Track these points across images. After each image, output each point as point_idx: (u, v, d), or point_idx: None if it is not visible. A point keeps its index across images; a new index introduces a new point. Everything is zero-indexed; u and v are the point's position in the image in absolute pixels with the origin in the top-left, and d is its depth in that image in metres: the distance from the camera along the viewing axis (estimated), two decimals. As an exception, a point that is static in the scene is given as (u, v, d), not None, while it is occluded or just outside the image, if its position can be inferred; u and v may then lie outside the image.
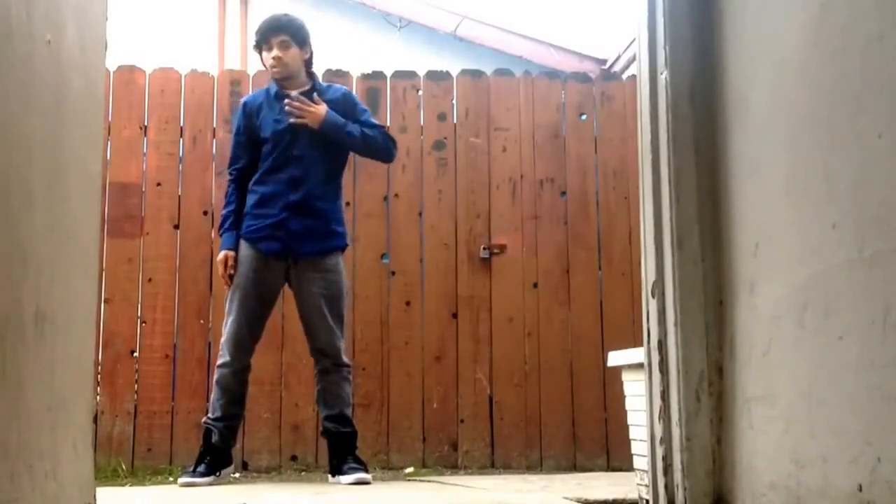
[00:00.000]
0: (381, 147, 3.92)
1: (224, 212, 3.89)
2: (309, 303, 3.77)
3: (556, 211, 4.80)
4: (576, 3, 7.76)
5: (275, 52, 3.84)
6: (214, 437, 3.75)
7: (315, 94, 3.86)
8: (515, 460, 4.57)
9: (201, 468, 3.70)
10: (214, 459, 3.75)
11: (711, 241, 2.06)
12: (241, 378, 3.80)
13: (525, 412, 4.61)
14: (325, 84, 4.06)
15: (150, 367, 4.50)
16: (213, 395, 3.81)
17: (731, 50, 2.02)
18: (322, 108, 3.79)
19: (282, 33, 3.86)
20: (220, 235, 3.89)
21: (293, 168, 3.79)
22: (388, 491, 3.40)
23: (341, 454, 3.73)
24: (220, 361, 3.79)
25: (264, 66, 3.99)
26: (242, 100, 4.07)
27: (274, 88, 3.92)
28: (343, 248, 3.90)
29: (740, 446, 1.91)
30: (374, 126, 3.93)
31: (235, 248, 3.79)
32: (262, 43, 3.89)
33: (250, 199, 3.83)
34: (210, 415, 3.80)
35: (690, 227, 2.08)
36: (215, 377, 3.81)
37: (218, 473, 3.73)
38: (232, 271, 3.77)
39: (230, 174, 3.94)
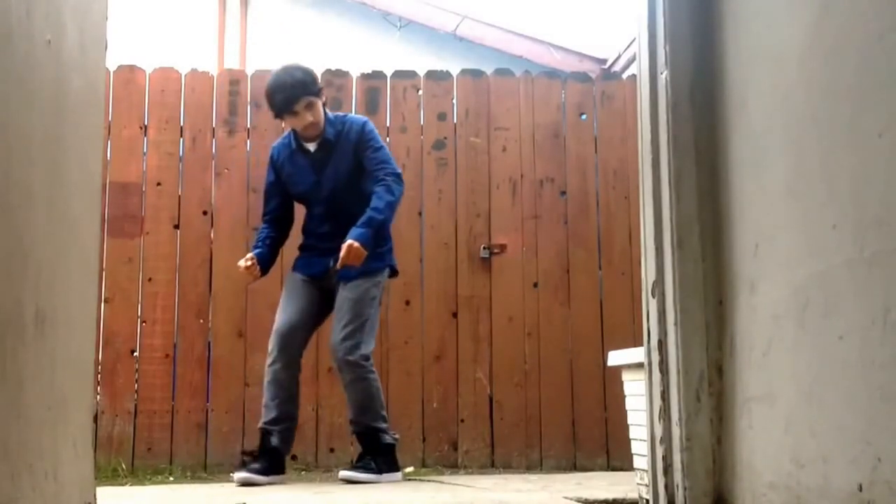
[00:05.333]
0: (398, 199, 3.85)
1: (253, 252, 3.85)
2: (335, 304, 3.82)
3: (556, 211, 4.79)
4: (576, 3, 7.76)
5: (305, 119, 3.75)
6: (274, 441, 3.69)
7: (330, 144, 3.82)
8: (515, 460, 4.57)
9: (257, 466, 3.62)
10: (273, 461, 3.68)
11: (711, 241, 2.06)
12: (292, 375, 3.76)
13: (525, 412, 4.61)
14: (336, 118, 3.91)
15: (150, 367, 4.50)
16: (264, 398, 3.76)
17: (732, 49, 2.02)
18: (357, 248, 3.62)
19: (303, 97, 3.72)
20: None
21: (327, 225, 3.85)
22: (388, 490, 3.40)
23: (362, 452, 3.80)
24: (268, 361, 3.77)
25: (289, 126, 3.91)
26: (271, 150, 4.01)
27: (294, 142, 3.88)
28: (381, 269, 3.86)
29: (740, 446, 1.91)
30: (382, 176, 3.79)
31: (262, 265, 3.83)
32: (286, 113, 3.77)
33: (301, 241, 3.97)
34: (264, 418, 3.74)
35: (690, 227, 2.08)
36: (266, 379, 3.75)
37: (275, 476, 3.66)
38: (249, 263, 3.76)
39: (263, 218, 4.00)
